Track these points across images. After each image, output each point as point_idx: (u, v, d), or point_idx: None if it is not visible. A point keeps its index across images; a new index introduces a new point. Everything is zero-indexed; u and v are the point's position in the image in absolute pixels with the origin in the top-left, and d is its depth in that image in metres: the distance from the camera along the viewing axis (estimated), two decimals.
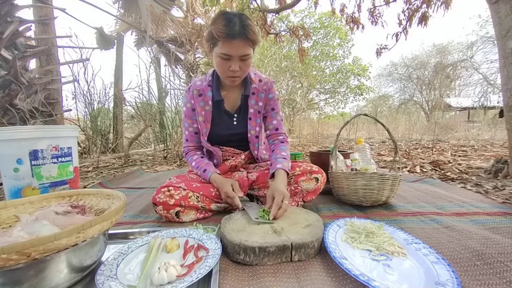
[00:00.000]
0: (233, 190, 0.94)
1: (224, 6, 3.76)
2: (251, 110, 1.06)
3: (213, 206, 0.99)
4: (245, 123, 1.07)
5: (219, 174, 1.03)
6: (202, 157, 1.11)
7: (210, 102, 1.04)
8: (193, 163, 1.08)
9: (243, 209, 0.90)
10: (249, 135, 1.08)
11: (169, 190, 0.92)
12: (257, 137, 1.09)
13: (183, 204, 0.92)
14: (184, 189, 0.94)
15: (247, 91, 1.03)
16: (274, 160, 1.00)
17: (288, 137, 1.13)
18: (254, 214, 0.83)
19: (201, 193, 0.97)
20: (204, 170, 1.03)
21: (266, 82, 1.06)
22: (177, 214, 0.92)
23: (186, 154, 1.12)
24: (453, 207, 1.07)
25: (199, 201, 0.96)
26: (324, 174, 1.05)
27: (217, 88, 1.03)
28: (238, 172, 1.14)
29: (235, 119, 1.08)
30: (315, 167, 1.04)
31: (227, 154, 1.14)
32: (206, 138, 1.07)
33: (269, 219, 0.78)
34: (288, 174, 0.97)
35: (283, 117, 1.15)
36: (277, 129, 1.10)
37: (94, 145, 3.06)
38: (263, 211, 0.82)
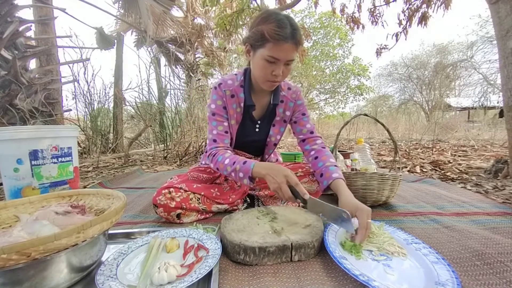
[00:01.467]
0: None
1: (224, 6, 3.76)
2: (277, 118, 1.05)
3: (214, 208, 0.99)
4: (267, 130, 1.06)
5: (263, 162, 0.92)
6: (233, 154, 0.98)
7: (242, 104, 0.99)
8: (226, 161, 0.89)
9: (246, 203, 0.89)
10: (268, 140, 1.07)
11: (170, 192, 0.91)
12: (275, 144, 1.09)
13: (184, 206, 0.91)
14: (185, 191, 0.93)
15: (277, 100, 1.00)
16: (326, 169, 0.90)
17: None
18: (350, 228, 0.68)
19: (202, 193, 0.96)
20: (245, 162, 0.86)
21: (295, 90, 1.05)
22: (178, 216, 0.92)
23: (214, 155, 0.93)
24: (453, 207, 1.07)
25: (200, 202, 0.95)
26: None
27: (249, 91, 0.98)
28: None
29: (258, 125, 1.06)
30: None
31: None
32: (233, 144, 1.05)
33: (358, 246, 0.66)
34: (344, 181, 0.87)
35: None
36: (312, 132, 1.05)
37: (94, 145, 3.06)
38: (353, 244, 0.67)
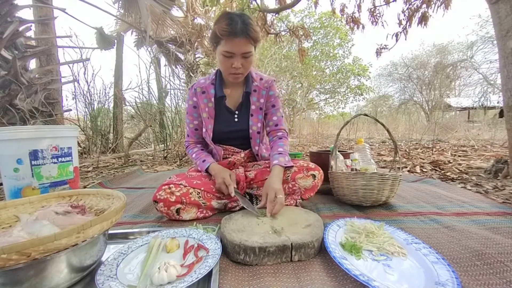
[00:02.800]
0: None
1: (224, 6, 3.76)
2: (252, 107, 1.08)
3: (214, 203, 1.00)
4: (247, 120, 1.09)
5: (217, 164, 1.07)
6: (202, 150, 1.15)
7: (212, 99, 1.07)
8: (193, 155, 1.12)
9: (242, 208, 0.92)
10: (250, 131, 1.10)
11: (170, 188, 0.93)
12: (258, 133, 1.10)
13: (184, 200, 0.93)
14: (185, 186, 0.95)
15: (249, 88, 1.06)
16: (271, 157, 1.02)
17: (288, 133, 1.15)
18: (249, 207, 0.87)
19: (202, 189, 0.98)
20: (203, 161, 1.07)
21: (267, 80, 1.09)
22: (177, 211, 0.93)
23: (187, 147, 1.17)
24: (453, 207, 1.07)
25: (200, 197, 0.97)
26: (321, 171, 1.05)
27: (220, 85, 1.06)
28: (236, 169, 1.14)
29: (236, 116, 1.10)
30: (312, 164, 1.04)
31: (227, 152, 1.15)
32: (210, 136, 1.09)
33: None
34: (285, 169, 0.97)
35: (284, 114, 1.16)
36: (276, 125, 1.12)
37: (94, 145, 3.06)
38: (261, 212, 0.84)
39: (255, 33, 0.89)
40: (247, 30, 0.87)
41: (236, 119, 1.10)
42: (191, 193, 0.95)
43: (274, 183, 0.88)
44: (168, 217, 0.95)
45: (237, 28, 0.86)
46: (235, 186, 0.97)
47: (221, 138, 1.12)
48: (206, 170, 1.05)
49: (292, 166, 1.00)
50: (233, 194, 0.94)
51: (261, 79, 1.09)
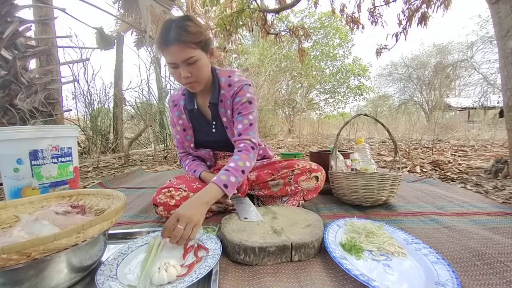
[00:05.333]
0: None
1: (224, 6, 3.76)
2: (224, 119, 0.98)
3: (214, 207, 1.00)
4: (223, 131, 1.02)
5: (209, 172, 1.04)
6: (193, 160, 1.11)
7: (184, 111, 1.02)
8: (186, 168, 1.09)
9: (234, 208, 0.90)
10: (232, 142, 1.00)
11: (169, 191, 0.92)
12: None
13: None
14: (185, 190, 0.94)
15: (214, 99, 0.95)
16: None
17: (256, 144, 0.93)
18: (243, 214, 0.84)
19: None
20: (194, 171, 1.04)
21: (235, 86, 0.94)
22: None
23: (180, 160, 1.14)
24: (453, 207, 1.07)
25: None
26: (324, 171, 1.04)
27: (190, 96, 0.99)
28: None
29: (213, 126, 1.03)
30: (314, 165, 1.03)
31: (219, 156, 1.13)
32: (192, 145, 1.06)
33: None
34: (222, 189, 0.77)
35: (256, 121, 0.97)
36: (240, 134, 0.92)
37: (94, 145, 3.06)
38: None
39: (192, 35, 0.78)
40: (179, 35, 0.77)
41: (214, 130, 1.03)
42: (190, 198, 0.94)
43: (190, 208, 0.70)
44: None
45: (169, 36, 0.77)
46: (235, 192, 0.90)
47: (207, 146, 1.09)
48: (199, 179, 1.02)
49: (235, 194, 0.88)
50: (230, 203, 0.91)
51: (229, 85, 0.94)
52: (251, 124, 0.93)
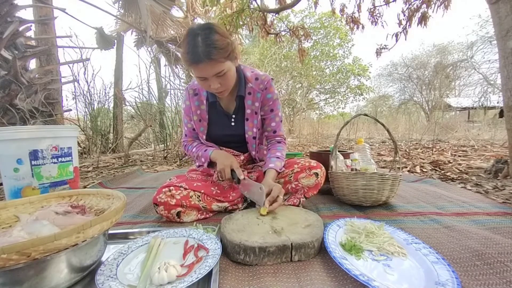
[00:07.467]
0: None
1: (224, 6, 3.76)
2: (248, 111, 1.04)
3: (214, 206, 0.99)
4: (243, 124, 1.06)
5: (221, 150, 1.07)
6: (202, 143, 1.12)
7: (205, 102, 1.04)
8: (194, 149, 1.09)
9: (246, 203, 0.96)
10: (246, 135, 1.07)
11: (170, 190, 0.92)
12: (254, 138, 1.07)
13: (185, 204, 0.92)
14: (185, 189, 0.94)
15: (242, 91, 1.00)
16: (268, 159, 1.03)
17: (285, 139, 1.14)
18: (261, 200, 0.86)
19: (202, 191, 0.97)
20: (205, 150, 1.05)
21: (263, 80, 1.01)
22: (178, 214, 0.92)
23: (185, 146, 1.15)
24: (453, 207, 1.07)
25: (200, 200, 0.96)
26: (323, 168, 1.04)
27: None
28: None
29: (233, 119, 1.07)
30: (314, 162, 1.03)
31: None
32: (204, 137, 1.08)
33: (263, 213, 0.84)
34: (279, 174, 1.00)
35: (283, 117, 1.14)
36: (275, 132, 1.10)
37: (94, 145, 3.06)
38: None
39: (221, 50, 0.79)
40: (209, 53, 0.77)
41: (233, 123, 1.06)
42: (191, 197, 0.94)
43: (274, 183, 0.90)
44: (168, 219, 0.94)
45: (198, 53, 0.77)
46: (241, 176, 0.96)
47: (219, 142, 1.10)
48: (209, 161, 1.03)
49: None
50: (242, 177, 0.94)
51: (256, 79, 1.01)
52: (281, 121, 1.11)
